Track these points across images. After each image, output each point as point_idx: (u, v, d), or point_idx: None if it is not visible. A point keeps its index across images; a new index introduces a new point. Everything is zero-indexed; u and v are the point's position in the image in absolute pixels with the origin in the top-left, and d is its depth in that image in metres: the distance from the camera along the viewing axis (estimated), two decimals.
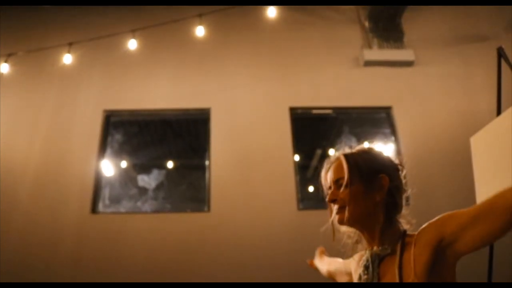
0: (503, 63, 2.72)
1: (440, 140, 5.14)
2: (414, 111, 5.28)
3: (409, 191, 1.24)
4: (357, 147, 1.28)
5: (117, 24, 5.46)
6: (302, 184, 5.09)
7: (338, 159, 1.25)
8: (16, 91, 5.38)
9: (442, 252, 1.04)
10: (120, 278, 4.33)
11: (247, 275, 4.35)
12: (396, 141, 5.24)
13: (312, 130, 5.82)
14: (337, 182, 1.22)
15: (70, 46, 5.03)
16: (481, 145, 2.69)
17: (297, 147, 5.23)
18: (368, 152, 1.25)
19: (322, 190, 1.31)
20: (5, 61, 4.95)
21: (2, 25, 5.59)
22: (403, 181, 1.24)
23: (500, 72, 2.75)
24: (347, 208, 1.17)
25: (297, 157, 5.21)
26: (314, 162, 5.64)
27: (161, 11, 5.69)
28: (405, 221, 1.19)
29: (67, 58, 5.03)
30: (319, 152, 5.67)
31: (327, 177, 1.27)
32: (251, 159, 5.05)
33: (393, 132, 5.33)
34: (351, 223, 1.20)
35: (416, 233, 1.13)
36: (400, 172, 1.24)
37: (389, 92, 5.47)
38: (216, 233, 4.68)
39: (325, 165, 1.30)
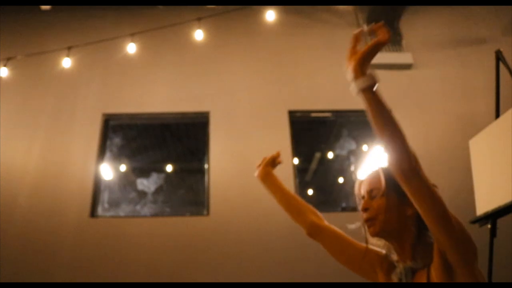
0: (502, 66, 2.73)
1: (439, 143, 5.15)
2: (412, 114, 5.28)
3: None
4: None
5: (116, 28, 5.47)
6: (301, 187, 5.09)
7: (375, 172, 1.33)
8: (15, 95, 5.37)
9: (444, 257, 1.11)
10: (119, 282, 4.32)
11: (247, 278, 4.34)
12: None
13: (311, 133, 5.83)
14: (370, 192, 1.30)
15: (69, 50, 5.04)
16: (480, 148, 2.70)
17: (296, 150, 5.23)
18: None
19: (353, 198, 1.40)
20: (4, 65, 4.95)
21: (1, 29, 5.60)
22: None
23: (498, 75, 2.77)
24: (378, 218, 1.24)
25: (296, 160, 5.21)
26: (313, 165, 5.64)
27: (160, 15, 5.70)
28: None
29: (66, 62, 5.03)
30: (318, 155, 5.67)
31: (361, 187, 1.35)
32: (250, 162, 5.02)
33: None
34: (383, 234, 1.26)
35: None
36: None
37: (388, 95, 5.41)
38: (216, 236, 4.67)
39: (360, 178, 1.39)
